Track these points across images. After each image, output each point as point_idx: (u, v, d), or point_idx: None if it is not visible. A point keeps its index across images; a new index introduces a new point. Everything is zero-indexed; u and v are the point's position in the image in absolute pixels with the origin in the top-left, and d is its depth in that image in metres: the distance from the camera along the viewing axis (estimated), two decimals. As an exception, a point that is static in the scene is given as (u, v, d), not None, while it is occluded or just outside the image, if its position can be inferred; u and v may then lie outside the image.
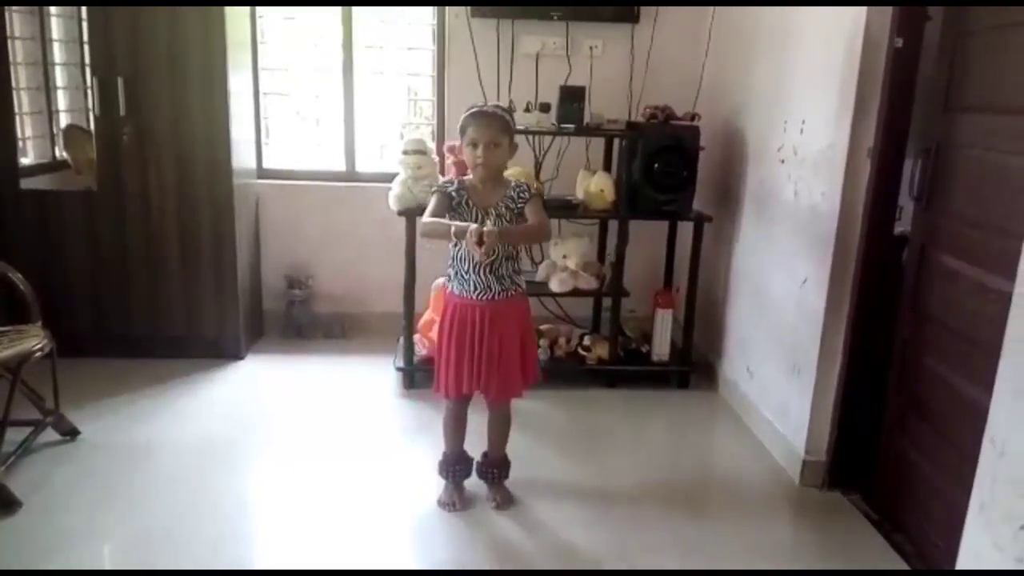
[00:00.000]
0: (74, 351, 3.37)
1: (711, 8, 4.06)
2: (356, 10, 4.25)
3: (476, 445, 2.86)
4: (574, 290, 3.82)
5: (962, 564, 1.89)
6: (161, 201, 3.80)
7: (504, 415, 2.80)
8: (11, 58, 3.70)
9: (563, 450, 3.26)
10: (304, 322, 4.38)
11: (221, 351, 3.98)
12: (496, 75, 4.20)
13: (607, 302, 3.92)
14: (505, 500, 2.79)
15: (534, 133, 3.89)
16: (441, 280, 3.79)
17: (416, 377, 3.74)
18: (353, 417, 3.47)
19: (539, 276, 3.88)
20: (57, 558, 2.41)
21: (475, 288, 2.60)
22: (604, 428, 3.48)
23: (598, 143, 4.11)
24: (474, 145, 2.53)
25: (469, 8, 4.10)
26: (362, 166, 4.45)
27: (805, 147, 3.07)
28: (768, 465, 3.18)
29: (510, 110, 2.72)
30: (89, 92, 3.74)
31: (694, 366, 3.94)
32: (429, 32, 4.32)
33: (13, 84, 3.73)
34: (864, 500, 2.91)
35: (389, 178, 3.80)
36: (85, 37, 3.77)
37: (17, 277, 3.02)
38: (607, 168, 3.99)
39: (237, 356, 4.01)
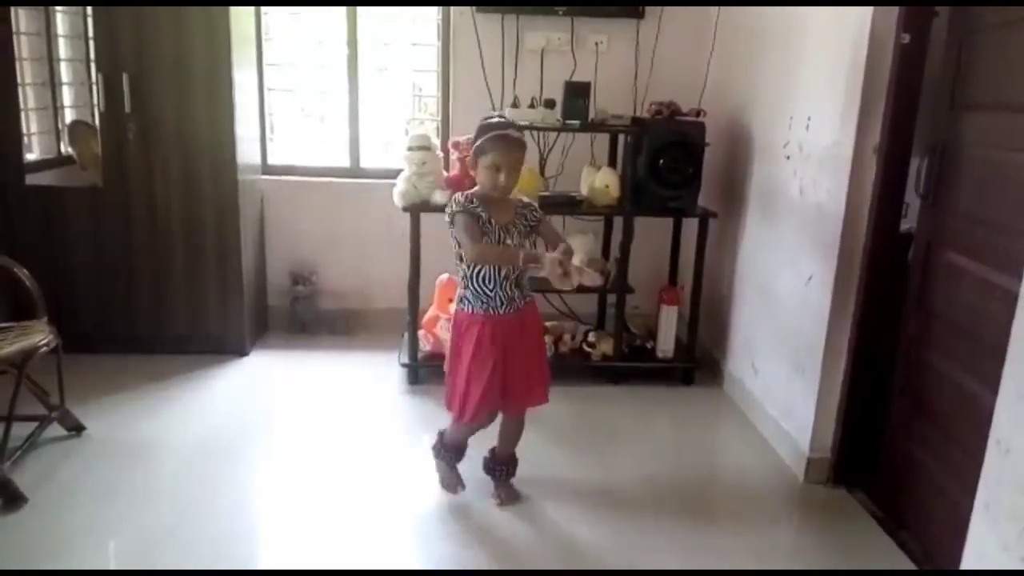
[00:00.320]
0: (79, 347, 3.38)
1: (717, 6, 4.04)
2: (361, 7, 4.24)
3: (481, 441, 2.86)
4: (579, 287, 3.79)
5: (967, 563, 1.88)
6: (166, 197, 3.81)
7: (522, 420, 2.80)
8: (16, 53, 3.71)
9: (567, 447, 3.26)
10: (308, 318, 4.39)
11: (225, 347, 3.98)
12: (501, 71, 4.19)
13: (612, 298, 3.92)
14: (509, 497, 2.79)
15: (539, 129, 3.89)
16: (445, 276, 3.81)
17: (420, 373, 3.74)
18: (357, 413, 3.47)
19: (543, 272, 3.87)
20: (62, 554, 2.42)
21: (502, 303, 2.58)
22: (608, 425, 3.48)
23: (603, 139, 4.10)
24: (496, 169, 2.49)
25: (474, 4, 4.09)
26: (367, 162, 4.45)
27: (811, 144, 3.06)
28: (772, 462, 3.18)
29: (516, 124, 2.66)
30: (94, 88, 3.75)
31: (699, 363, 3.93)
32: (434, 28, 4.31)
33: (18, 80, 3.74)
34: (869, 498, 2.90)
35: (394, 174, 3.80)
36: (90, 33, 3.76)
37: (23, 273, 3.02)
38: (612, 164, 3.98)
39: (241, 352, 4.02)
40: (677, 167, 3.61)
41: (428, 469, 2.95)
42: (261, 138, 4.28)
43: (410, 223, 3.60)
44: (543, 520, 2.72)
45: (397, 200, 3.68)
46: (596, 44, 4.21)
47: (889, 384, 2.82)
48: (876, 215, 2.74)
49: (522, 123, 3.63)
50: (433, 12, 4.29)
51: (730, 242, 3.85)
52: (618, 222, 3.87)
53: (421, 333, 3.80)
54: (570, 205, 3.80)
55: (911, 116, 2.69)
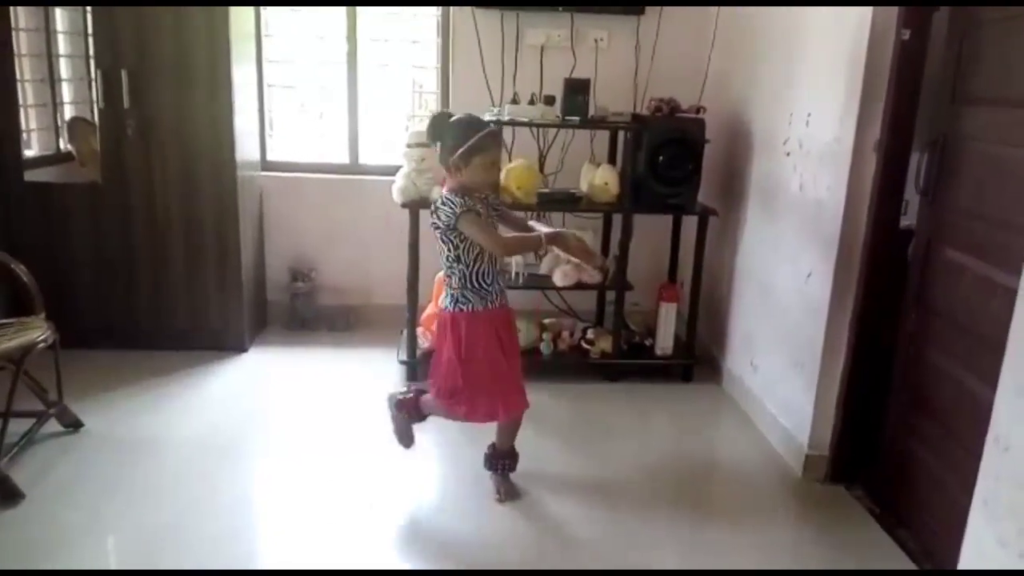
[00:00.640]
0: (78, 343, 3.37)
1: (716, 5, 4.03)
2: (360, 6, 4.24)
3: (479, 438, 2.85)
4: (578, 283, 3.80)
5: (965, 560, 1.88)
6: (165, 193, 3.80)
7: (519, 420, 2.81)
8: (16, 50, 3.70)
9: (566, 444, 3.26)
10: (308, 315, 4.38)
11: (225, 344, 3.98)
12: (501, 67, 4.18)
13: (611, 295, 3.91)
14: (509, 493, 2.79)
15: (538, 126, 3.89)
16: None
17: (419, 370, 3.73)
18: (356, 410, 3.47)
19: (543, 269, 3.87)
20: (60, 550, 2.42)
21: (496, 295, 2.65)
22: (607, 422, 3.48)
23: (603, 136, 4.09)
24: (493, 165, 2.57)
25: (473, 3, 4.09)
26: (366, 159, 4.44)
27: (811, 140, 3.05)
28: (771, 459, 3.17)
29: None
30: (93, 84, 3.74)
31: (698, 360, 3.93)
32: (434, 24, 4.31)
33: (18, 75, 3.73)
34: (867, 495, 2.90)
35: (393, 171, 3.79)
36: (90, 29, 3.76)
37: (21, 269, 3.02)
38: (612, 161, 3.97)
39: (241, 349, 4.01)
40: (677, 164, 3.60)
41: (428, 466, 2.95)
42: (260, 134, 4.27)
43: (409, 220, 3.60)
44: (542, 517, 2.72)
45: (396, 197, 3.68)
46: (596, 41, 4.20)
47: (888, 381, 2.82)
48: (876, 211, 2.74)
49: (522, 120, 3.66)
50: (433, 9, 4.28)
51: (730, 239, 3.84)
52: (617, 219, 3.86)
53: (420, 330, 3.80)
54: (570, 202, 3.79)
55: (911, 112, 2.68)
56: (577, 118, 3.62)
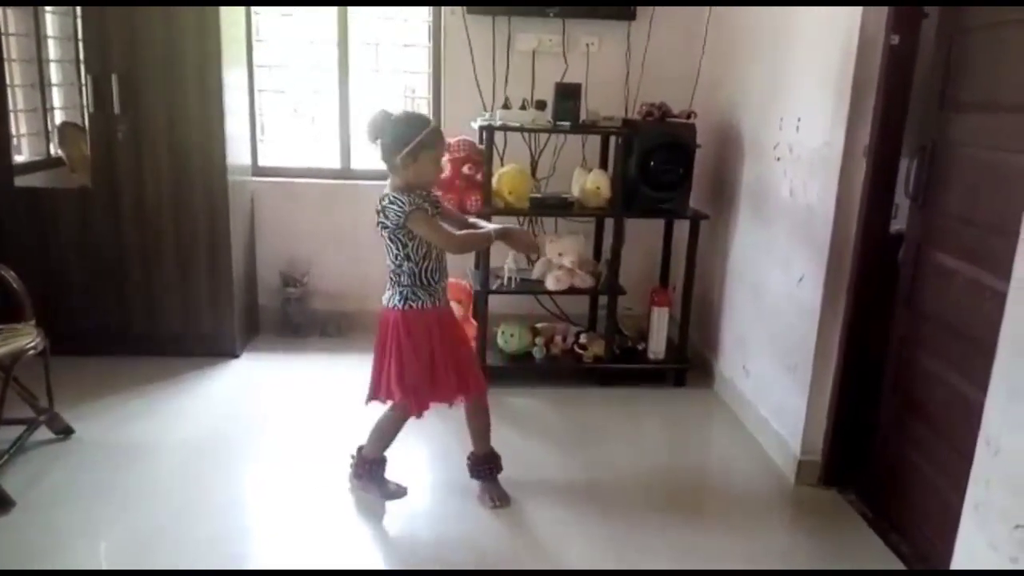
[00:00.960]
0: (69, 349, 3.35)
1: (708, 6, 4.05)
2: (352, 7, 4.24)
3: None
4: (570, 288, 3.81)
5: (957, 563, 1.88)
6: (156, 198, 3.79)
7: (484, 405, 2.80)
8: (5, 55, 3.69)
9: (558, 448, 3.26)
10: (300, 320, 4.37)
11: (216, 349, 3.96)
12: (492, 72, 4.19)
13: (603, 300, 3.91)
14: (503, 498, 2.79)
15: (530, 131, 3.89)
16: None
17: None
18: (348, 415, 3.45)
19: (535, 274, 3.87)
20: (51, 558, 2.41)
21: (443, 292, 2.70)
22: (600, 426, 3.48)
23: (594, 141, 4.10)
24: (439, 160, 2.65)
25: (465, 5, 4.09)
26: (358, 163, 4.44)
27: (801, 145, 3.06)
28: (764, 463, 3.18)
29: None
30: (84, 89, 3.74)
31: (690, 364, 3.93)
32: (425, 29, 4.31)
33: (7, 81, 3.72)
34: (860, 499, 2.90)
35: (384, 175, 3.75)
36: (80, 34, 3.75)
37: (10, 275, 3.01)
38: (603, 166, 3.97)
39: (232, 354, 4.00)
40: (668, 168, 3.61)
41: (419, 470, 2.94)
42: (252, 139, 4.27)
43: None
44: (534, 522, 2.72)
45: (388, 202, 3.67)
46: (587, 46, 4.21)
47: (880, 385, 2.83)
48: (866, 216, 2.75)
49: (513, 124, 3.66)
50: (424, 13, 4.28)
51: (721, 243, 3.85)
52: (609, 224, 3.87)
53: (412, 335, 3.79)
54: (561, 207, 3.80)
55: (901, 117, 2.70)
56: (568, 123, 3.62)
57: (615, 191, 3.71)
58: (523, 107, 3.73)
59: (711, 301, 3.96)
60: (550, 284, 3.78)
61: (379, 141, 2.57)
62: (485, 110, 4.03)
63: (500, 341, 3.91)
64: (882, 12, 2.63)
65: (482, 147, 3.67)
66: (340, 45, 4.27)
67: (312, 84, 4.42)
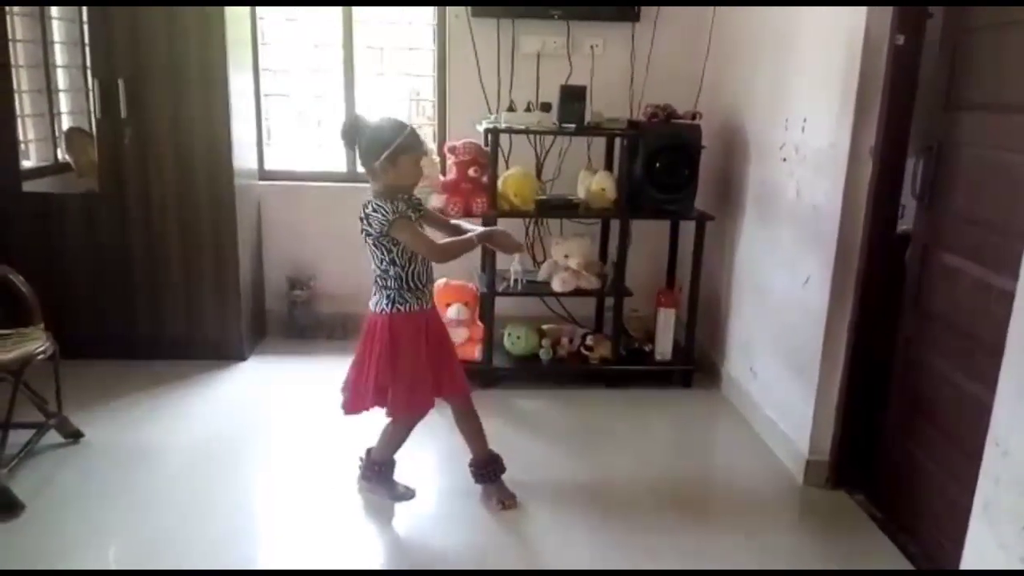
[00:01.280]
0: (77, 353, 3.36)
1: (712, 6, 4.05)
2: (356, 11, 4.25)
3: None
4: (576, 290, 3.81)
5: (966, 564, 1.89)
6: (163, 203, 3.81)
7: (471, 408, 2.81)
8: (12, 61, 3.70)
9: (565, 450, 3.26)
10: (306, 323, 4.38)
11: (224, 352, 3.98)
12: (497, 75, 4.19)
13: (610, 301, 3.92)
14: (509, 498, 2.79)
15: (535, 133, 3.89)
16: (443, 280, 3.81)
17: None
18: (355, 418, 3.46)
19: (541, 276, 3.88)
20: (60, 560, 2.42)
21: (429, 295, 2.70)
22: (607, 428, 3.48)
23: (599, 142, 4.10)
24: (418, 161, 2.61)
25: (469, 8, 4.10)
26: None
27: (806, 146, 3.06)
28: (771, 464, 3.18)
29: None
30: (90, 94, 3.75)
31: (697, 365, 3.93)
32: (430, 32, 4.32)
33: (15, 87, 3.74)
34: (868, 500, 2.90)
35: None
36: (86, 40, 3.77)
37: (19, 279, 3.02)
38: (608, 167, 3.98)
39: (240, 357, 4.01)
40: (673, 170, 3.62)
41: (427, 473, 2.95)
42: (258, 143, 4.28)
43: (407, 227, 3.60)
44: (541, 523, 2.72)
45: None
46: (592, 47, 4.21)
47: (887, 385, 2.82)
48: (872, 216, 2.75)
49: (518, 127, 3.67)
50: (429, 16, 4.29)
51: (727, 244, 3.85)
52: (615, 225, 3.87)
53: (419, 337, 3.79)
54: (567, 208, 3.80)
55: (906, 117, 2.70)
56: (573, 125, 3.62)
57: (620, 193, 3.71)
58: (528, 109, 3.74)
59: (717, 302, 3.96)
60: (556, 286, 3.79)
61: (356, 147, 2.60)
62: (490, 112, 4.04)
63: (507, 343, 3.91)
64: (887, 13, 2.63)
65: (487, 149, 3.67)
66: (345, 48, 4.29)
67: (317, 88, 4.43)
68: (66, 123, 4.21)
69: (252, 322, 4.16)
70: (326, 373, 3.91)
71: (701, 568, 2.50)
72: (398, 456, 2.82)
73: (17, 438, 2.85)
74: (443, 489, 2.94)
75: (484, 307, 3.77)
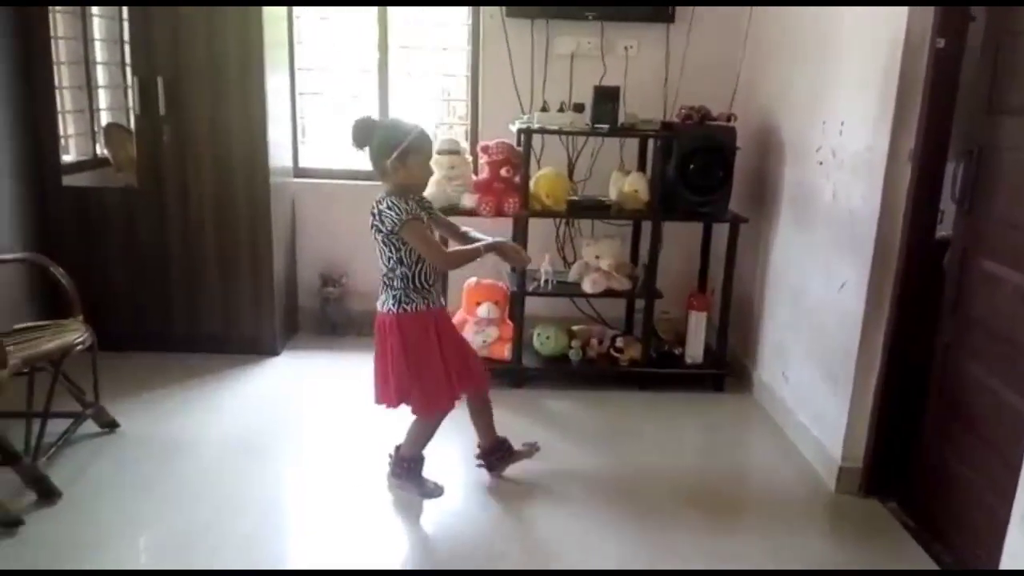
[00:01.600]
0: (113, 346, 3.42)
1: (748, 7, 4.02)
2: (391, 11, 4.27)
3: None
4: (607, 291, 3.80)
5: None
6: (199, 199, 3.86)
7: (487, 399, 2.90)
8: (54, 57, 3.77)
9: (594, 451, 3.25)
10: (338, 320, 4.42)
11: (257, 348, 4.02)
12: (530, 75, 4.19)
13: (640, 303, 3.90)
14: (530, 448, 2.96)
15: (568, 133, 3.89)
16: (473, 279, 3.82)
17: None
18: (386, 414, 3.47)
19: (572, 276, 3.87)
20: (95, 548, 2.46)
21: (438, 294, 2.73)
22: (636, 430, 3.46)
23: (632, 144, 4.08)
24: (427, 162, 2.66)
25: (504, 8, 4.10)
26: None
27: (844, 149, 3.03)
28: (803, 471, 3.14)
29: None
30: (130, 91, 3.81)
31: (729, 369, 3.90)
32: (464, 33, 4.33)
33: (56, 83, 3.81)
34: (902, 508, 2.86)
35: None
36: (126, 37, 3.83)
37: (59, 272, 3.08)
38: (641, 169, 3.96)
39: (273, 353, 4.05)
40: (707, 172, 3.59)
41: (456, 468, 2.96)
42: (293, 141, 4.32)
43: (439, 226, 3.61)
44: (570, 522, 2.72)
45: (427, 203, 3.69)
46: (626, 49, 4.20)
47: (924, 392, 2.78)
48: (911, 221, 2.71)
49: (551, 127, 3.67)
50: (463, 17, 4.31)
51: (761, 248, 3.82)
52: (647, 227, 3.85)
53: (449, 336, 3.81)
54: (599, 210, 3.80)
55: (946, 121, 2.66)
56: (606, 126, 3.61)
57: (653, 194, 3.70)
58: (561, 110, 3.74)
59: (750, 306, 3.92)
60: (587, 287, 3.78)
61: (366, 148, 2.62)
62: (523, 113, 4.04)
63: (536, 343, 3.91)
64: (928, 16, 2.59)
65: (520, 149, 3.68)
66: (380, 48, 4.31)
67: (352, 87, 4.46)
68: (105, 119, 4.27)
69: (285, 318, 4.20)
70: (357, 369, 3.95)
71: (728, 570, 2.49)
72: (427, 452, 2.84)
73: (55, 427, 2.91)
74: (470, 484, 2.94)
75: (514, 306, 3.77)
